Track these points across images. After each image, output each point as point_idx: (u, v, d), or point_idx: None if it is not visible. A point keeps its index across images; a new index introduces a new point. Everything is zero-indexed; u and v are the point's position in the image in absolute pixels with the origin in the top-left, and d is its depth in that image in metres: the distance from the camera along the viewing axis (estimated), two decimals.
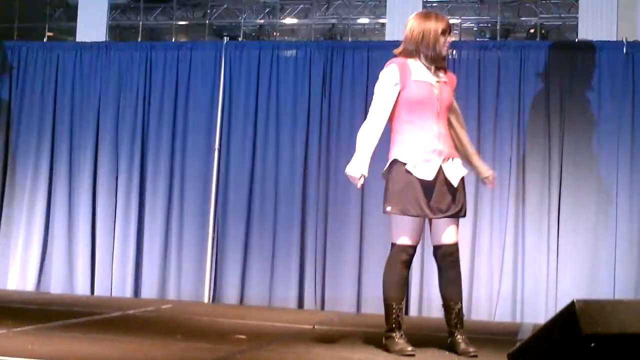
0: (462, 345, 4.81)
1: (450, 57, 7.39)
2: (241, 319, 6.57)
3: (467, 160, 5.04)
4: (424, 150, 4.76)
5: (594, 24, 7.93)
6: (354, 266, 7.79)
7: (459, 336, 4.86)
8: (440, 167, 4.78)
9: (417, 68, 4.86)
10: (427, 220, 4.87)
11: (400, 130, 4.83)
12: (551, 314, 6.40)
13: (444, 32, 4.84)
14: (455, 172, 4.83)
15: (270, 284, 7.97)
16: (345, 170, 4.81)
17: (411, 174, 4.74)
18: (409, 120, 4.81)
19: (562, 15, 8.49)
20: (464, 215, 4.95)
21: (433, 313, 7.41)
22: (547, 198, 7.56)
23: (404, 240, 4.82)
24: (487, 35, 8.50)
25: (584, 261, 7.46)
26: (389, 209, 4.80)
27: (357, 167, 4.74)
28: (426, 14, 4.96)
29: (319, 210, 7.94)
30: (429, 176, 4.74)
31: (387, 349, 4.85)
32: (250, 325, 6.20)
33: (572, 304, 3.83)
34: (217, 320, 6.45)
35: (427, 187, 4.75)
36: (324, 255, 7.89)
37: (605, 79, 7.64)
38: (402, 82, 4.81)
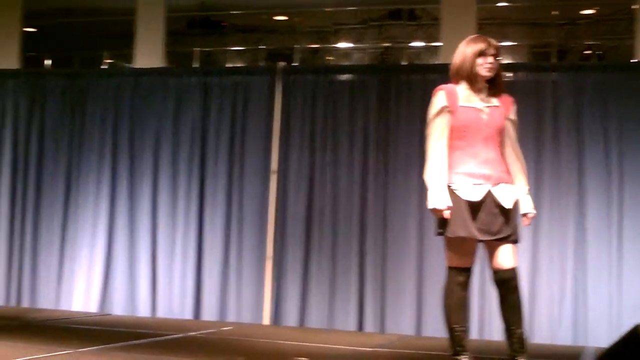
0: None
1: (505, 78, 7.35)
2: (301, 341, 6.60)
3: None
4: (472, 176, 4.76)
5: None
6: (413, 288, 7.78)
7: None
8: (489, 191, 4.78)
9: (465, 93, 4.85)
10: (484, 245, 4.87)
11: (450, 157, 4.83)
12: (614, 337, 6.34)
13: (482, 53, 4.79)
14: (507, 195, 4.80)
15: (330, 306, 8.00)
16: (428, 207, 4.79)
17: (458, 196, 4.76)
18: (459, 146, 4.80)
19: (619, 36, 8.43)
20: (516, 241, 4.83)
21: (494, 336, 7.37)
22: (607, 220, 7.48)
23: (457, 262, 4.81)
24: (542, 57, 8.48)
25: None
26: (439, 230, 4.82)
27: (440, 200, 4.71)
28: (470, 38, 4.91)
29: (377, 232, 7.95)
30: (475, 197, 4.73)
31: None
32: (310, 348, 6.24)
33: (636, 327, 3.83)
34: (278, 342, 6.50)
35: (475, 209, 4.73)
36: (383, 276, 7.89)
37: None
38: (451, 106, 4.81)
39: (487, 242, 4.78)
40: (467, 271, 4.83)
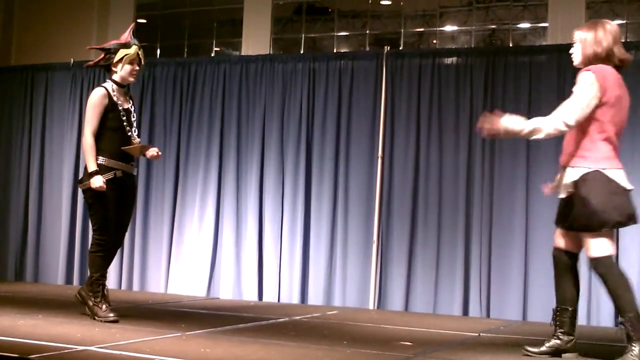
0: (629, 357, 4.65)
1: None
2: (406, 326, 6.58)
3: None
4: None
5: None
6: (519, 273, 7.65)
7: (632, 345, 4.69)
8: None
9: None
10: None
11: None
12: None
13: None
14: (562, 183, 4.86)
15: (435, 291, 7.96)
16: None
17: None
18: None
19: None
20: (574, 229, 4.85)
21: (602, 322, 7.19)
22: None
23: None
24: None
25: None
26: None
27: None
28: (611, 26, 4.91)
29: (483, 217, 7.86)
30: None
31: None
32: (415, 332, 6.21)
33: None
34: (383, 327, 6.49)
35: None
36: (489, 261, 7.80)
37: None
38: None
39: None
40: (567, 254, 4.99)
